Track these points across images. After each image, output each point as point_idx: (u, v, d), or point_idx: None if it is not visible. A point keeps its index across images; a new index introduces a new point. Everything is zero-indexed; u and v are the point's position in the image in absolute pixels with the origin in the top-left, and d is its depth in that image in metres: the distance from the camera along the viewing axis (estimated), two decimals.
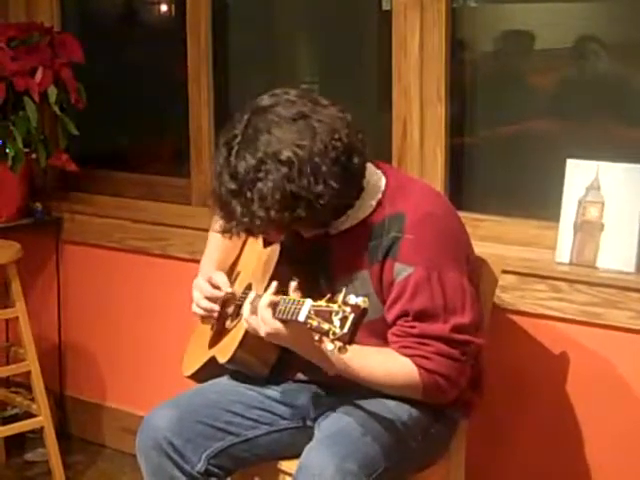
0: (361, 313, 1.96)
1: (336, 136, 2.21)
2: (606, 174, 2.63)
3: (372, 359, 2.24)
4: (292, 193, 2.18)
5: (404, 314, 2.24)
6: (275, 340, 2.21)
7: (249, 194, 2.21)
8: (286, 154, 2.18)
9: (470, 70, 3.03)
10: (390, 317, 2.27)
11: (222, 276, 2.52)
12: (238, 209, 2.23)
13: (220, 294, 2.49)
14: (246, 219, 2.23)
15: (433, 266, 2.23)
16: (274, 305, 2.15)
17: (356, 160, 2.24)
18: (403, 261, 2.23)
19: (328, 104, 2.27)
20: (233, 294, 2.50)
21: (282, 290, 2.19)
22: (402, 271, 2.23)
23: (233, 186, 2.23)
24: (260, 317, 2.18)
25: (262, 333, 2.19)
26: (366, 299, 1.98)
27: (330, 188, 2.19)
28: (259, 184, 2.19)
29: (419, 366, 2.21)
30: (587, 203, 2.65)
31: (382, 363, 2.24)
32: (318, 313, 2.01)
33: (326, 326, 1.98)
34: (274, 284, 2.20)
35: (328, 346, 1.97)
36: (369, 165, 2.34)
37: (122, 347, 3.69)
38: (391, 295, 2.26)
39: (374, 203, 2.32)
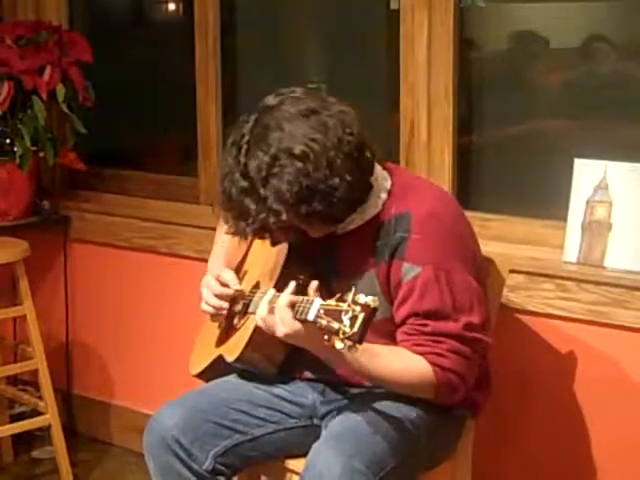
0: (371, 312, 1.96)
1: (348, 130, 2.21)
2: (614, 174, 2.63)
3: (386, 357, 2.23)
4: (308, 187, 2.18)
5: (413, 314, 2.24)
6: (292, 340, 2.19)
7: (262, 191, 2.20)
8: (300, 148, 2.18)
9: (478, 69, 3.03)
10: (399, 317, 2.26)
11: (230, 273, 2.51)
12: (252, 207, 2.22)
13: (229, 292, 2.48)
14: (262, 216, 2.21)
15: (441, 266, 2.23)
16: (293, 305, 2.13)
17: (368, 154, 2.25)
18: (411, 261, 2.23)
19: (335, 101, 2.28)
20: (241, 292, 2.49)
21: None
22: (410, 271, 2.23)
23: (245, 184, 2.22)
24: (279, 317, 2.15)
25: (279, 333, 2.16)
26: (376, 298, 1.97)
27: (345, 181, 2.19)
28: (274, 180, 2.18)
29: (433, 364, 2.21)
30: (595, 203, 2.65)
31: (396, 361, 2.23)
32: (327, 312, 2.01)
33: (336, 325, 1.97)
34: (292, 284, 2.18)
35: (337, 345, 1.97)
36: (375, 165, 2.34)
37: (129, 346, 3.69)
38: (399, 295, 2.26)
39: (380, 203, 2.32)
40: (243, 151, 2.23)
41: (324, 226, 2.30)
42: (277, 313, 2.15)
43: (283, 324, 2.14)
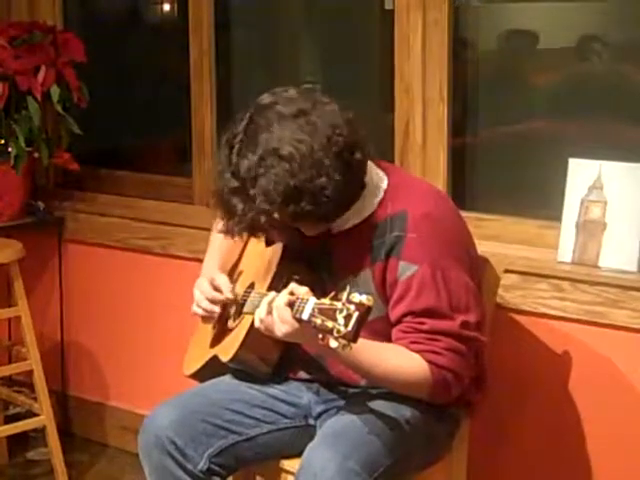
0: (365, 311, 1.96)
1: (337, 131, 2.21)
2: (609, 173, 2.63)
3: (383, 355, 2.23)
4: (295, 187, 2.18)
5: (410, 313, 2.23)
6: (291, 339, 2.19)
7: (252, 191, 2.22)
8: (287, 149, 2.18)
9: (472, 69, 3.03)
10: (395, 315, 2.26)
11: (224, 279, 2.51)
12: (240, 206, 2.24)
13: (221, 297, 2.48)
14: (250, 215, 2.23)
15: (437, 264, 2.23)
16: (292, 304, 2.13)
17: (358, 155, 2.24)
18: (407, 260, 2.23)
19: (329, 101, 2.28)
20: (235, 298, 2.49)
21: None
22: (406, 270, 2.23)
23: (235, 184, 2.24)
24: (279, 317, 2.14)
25: (279, 333, 2.15)
26: (370, 297, 1.97)
27: (333, 181, 2.19)
28: (261, 180, 2.20)
29: (430, 362, 2.20)
30: (589, 202, 2.65)
31: (392, 359, 2.22)
32: (322, 311, 2.00)
33: (330, 324, 1.97)
34: (292, 284, 2.17)
35: (332, 344, 1.97)
36: (371, 164, 2.34)
37: (124, 346, 3.69)
38: (395, 294, 2.26)
39: (376, 202, 2.32)
40: (235, 150, 2.25)
41: (316, 225, 2.31)
42: (276, 313, 2.15)
43: (283, 323, 2.13)
